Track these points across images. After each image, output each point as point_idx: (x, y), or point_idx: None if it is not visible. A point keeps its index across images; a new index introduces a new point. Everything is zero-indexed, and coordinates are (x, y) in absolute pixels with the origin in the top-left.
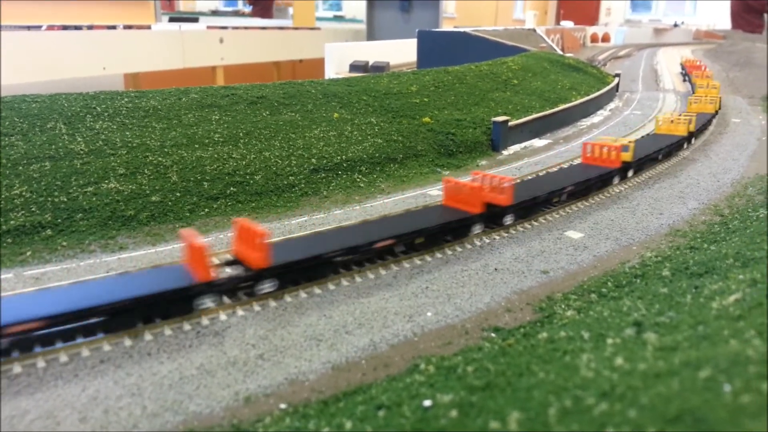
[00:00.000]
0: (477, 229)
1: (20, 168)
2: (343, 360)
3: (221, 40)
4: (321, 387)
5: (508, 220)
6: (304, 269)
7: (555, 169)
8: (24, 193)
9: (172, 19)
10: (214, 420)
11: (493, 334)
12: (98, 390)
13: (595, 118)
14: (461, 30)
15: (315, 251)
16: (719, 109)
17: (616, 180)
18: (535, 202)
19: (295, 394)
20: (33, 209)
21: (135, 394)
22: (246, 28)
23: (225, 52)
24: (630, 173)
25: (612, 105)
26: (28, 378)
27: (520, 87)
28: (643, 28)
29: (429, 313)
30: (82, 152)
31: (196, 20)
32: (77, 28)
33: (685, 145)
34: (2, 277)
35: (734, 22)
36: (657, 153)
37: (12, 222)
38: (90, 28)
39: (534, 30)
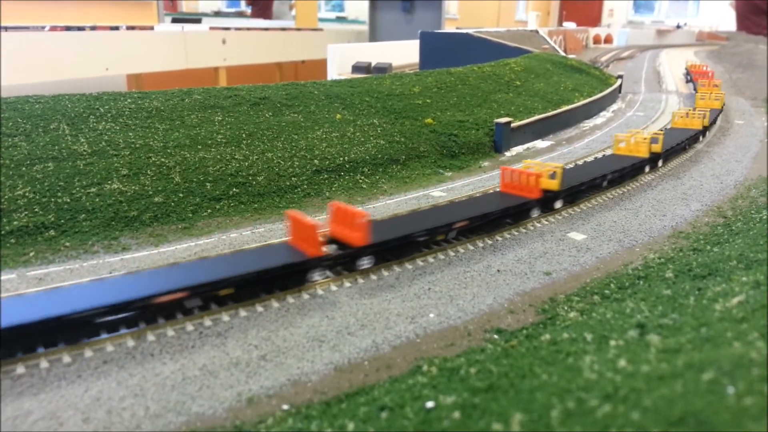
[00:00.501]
0: (535, 213)
1: (23, 169)
2: (345, 361)
3: (224, 41)
4: (323, 388)
5: (558, 204)
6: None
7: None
8: (27, 194)
9: (174, 20)
10: (217, 421)
11: (495, 336)
12: (101, 391)
13: (598, 120)
14: (463, 31)
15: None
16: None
17: (534, 213)
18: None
19: (298, 395)
20: (36, 210)
21: (138, 395)
22: (248, 29)
23: (228, 53)
24: (558, 204)
25: (615, 106)
26: (31, 378)
27: (522, 88)
28: (645, 30)
29: (431, 315)
30: (85, 153)
31: (198, 21)
32: (80, 28)
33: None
34: (6, 277)
35: (740, 23)
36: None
37: (15, 223)
38: (93, 28)
39: (536, 31)
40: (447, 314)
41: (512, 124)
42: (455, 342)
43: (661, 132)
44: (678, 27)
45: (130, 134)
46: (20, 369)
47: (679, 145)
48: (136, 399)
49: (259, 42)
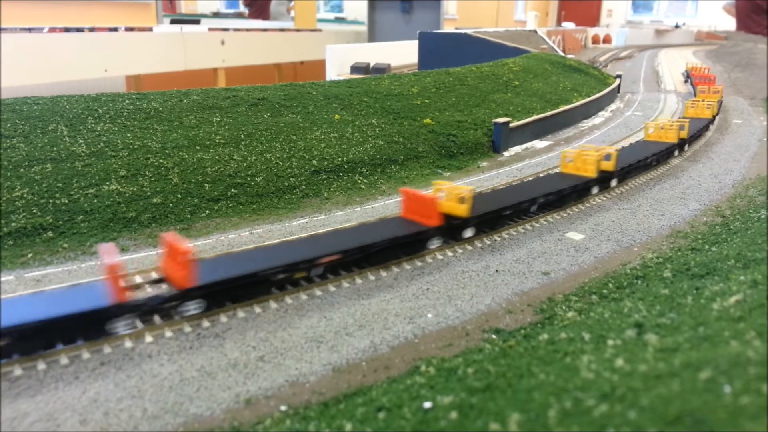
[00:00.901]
0: (435, 243)
1: (21, 170)
2: (343, 362)
3: (223, 42)
4: (321, 389)
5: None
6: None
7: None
8: (25, 195)
9: (173, 21)
10: (215, 422)
11: (493, 336)
12: (99, 392)
13: (597, 120)
14: (462, 31)
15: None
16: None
17: (434, 243)
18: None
19: (296, 395)
20: (34, 211)
21: (135, 396)
22: (247, 30)
23: (226, 54)
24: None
25: (613, 106)
26: (28, 380)
27: (521, 88)
28: (644, 30)
29: (429, 315)
30: (83, 154)
31: (197, 22)
32: (79, 30)
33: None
34: (4, 279)
35: (740, 23)
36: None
37: (13, 224)
38: (91, 30)
39: (535, 31)
40: (445, 314)
41: (511, 124)
42: (453, 342)
43: (615, 150)
44: (677, 27)
45: (129, 135)
46: (17, 371)
47: (640, 162)
48: (133, 400)
49: (257, 43)
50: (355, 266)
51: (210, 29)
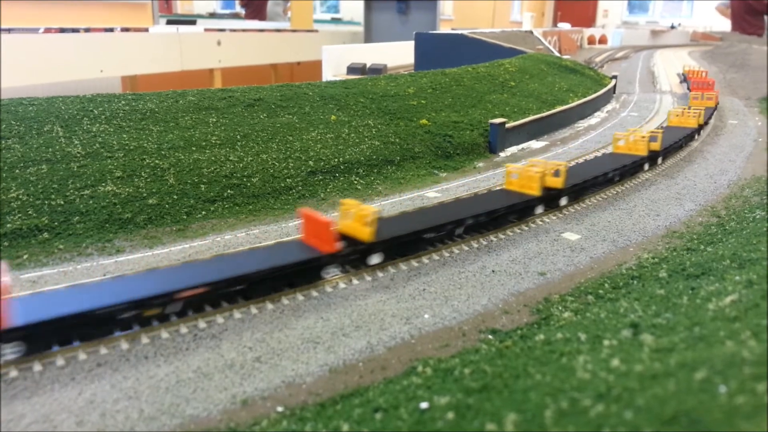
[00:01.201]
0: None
1: (17, 171)
2: (340, 362)
3: (219, 43)
4: (318, 390)
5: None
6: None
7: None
8: (21, 196)
9: (169, 22)
10: (211, 423)
11: (490, 336)
12: (95, 393)
13: (593, 120)
14: (458, 32)
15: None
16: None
17: (330, 272)
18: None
19: (292, 396)
20: (30, 212)
21: (132, 398)
22: (244, 30)
23: (223, 55)
24: None
25: (609, 107)
26: (24, 382)
27: (517, 89)
28: (640, 30)
29: (426, 315)
30: (79, 155)
31: (193, 23)
32: (74, 30)
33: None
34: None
35: (735, 24)
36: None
37: (9, 225)
38: (87, 30)
39: (531, 32)
40: (442, 315)
41: (507, 125)
42: (450, 343)
43: (566, 165)
44: (672, 27)
45: (124, 136)
46: (13, 372)
47: (598, 178)
48: (130, 402)
49: (254, 43)
50: (227, 301)
51: (206, 30)
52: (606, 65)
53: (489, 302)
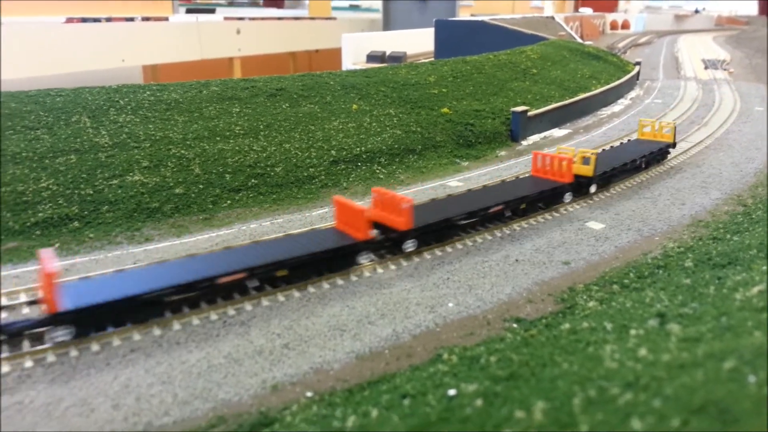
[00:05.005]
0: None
1: (47, 161)
2: (366, 350)
3: (238, 31)
4: (345, 376)
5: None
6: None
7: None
8: (51, 186)
9: (189, 11)
10: (243, 407)
11: (514, 325)
12: (130, 378)
13: (616, 107)
14: (479, 19)
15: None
16: None
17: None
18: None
19: (321, 382)
20: (60, 202)
21: (165, 382)
22: (263, 18)
23: (242, 43)
24: None
25: (633, 93)
26: (61, 367)
27: (539, 76)
28: (663, 15)
29: (450, 304)
30: (106, 145)
31: (212, 11)
32: (96, 20)
33: None
34: (34, 268)
35: (764, 7)
36: None
37: (40, 214)
38: (108, 20)
39: (552, 18)
40: (466, 303)
41: (529, 113)
42: (475, 331)
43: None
44: (696, 12)
45: (150, 126)
46: (51, 357)
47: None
48: (164, 386)
49: (272, 32)
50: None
51: (225, 18)
52: (629, 51)
53: (513, 291)
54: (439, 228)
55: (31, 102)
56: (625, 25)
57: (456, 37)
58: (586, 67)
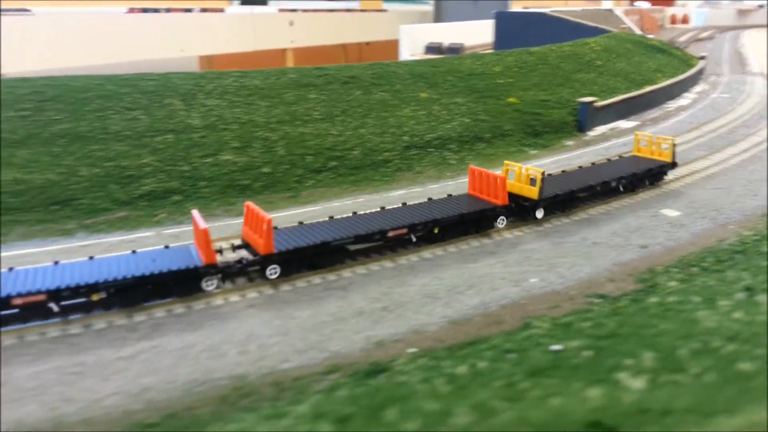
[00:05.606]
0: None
1: (146, 139)
2: (457, 316)
3: (291, 23)
4: (441, 337)
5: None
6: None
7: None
8: (152, 162)
9: (244, 2)
10: (354, 358)
11: (597, 300)
12: (251, 329)
13: (682, 101)
14: (540, 11)
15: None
16: None
17: None
18: None
19: (419, 342)
20: (161, 177)
21: (282, 334)
22: (315, 10)
23: (295, 35)
24: None
25: (698, 88)
26: (188, 317)
27: (604, 68)
28: (724, 9)
29: (533, 279)
30: (198, 127)
31: (265, 3)
32: (156, 11)
33: None
34: (144, 235)
35: None
36: None
37: (144, 187)
38: (168, 11)
39: (611, 10)
40: (548, 280)
41: (595, 104)
42: (559, 304)
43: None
44: (761, 6)
45: (236, 110)
46: (179, 309)
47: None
48: (281, 337)
49: (324, 23)
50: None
51: (280, 10)
52: (691, 45)
53: (593, 270)
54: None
55: (126, 85)
56: (685, 20)
57: (516, 29)
58: (650, 60)
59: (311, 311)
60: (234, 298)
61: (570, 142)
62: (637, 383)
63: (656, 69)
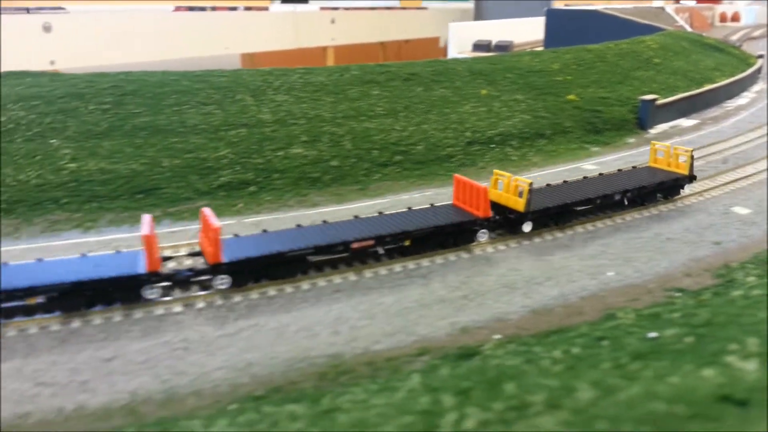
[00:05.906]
0: None
1: (221, 133)
2: (538, 306)
3: (332, 21)
4: (524, 325)
5: None
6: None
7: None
8: (228, 155)
9: (285, 0)
10: (441, 342)
11: (677, 294)
12: (340, 312)
13: (741, 100)
14: (592, 8)
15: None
16: None
17: None
18: None
19: (503, 329)
20: (237, 169)
21: (370, 318)
22: (356, 8)
23: (336, 33)
24: None
25: (757, 87)
26: (281, 300)
27: (662, 66)
28: None
29: (610, 273)
30: (269, 121)
31: (306, 1)
32: (202, 9)
33: None
34: (227, 222)
35: None
36: None
37: (222, 178)
38: (213, 9)
39: (663, 8)
40: (625, 273)
41: (657, 102)
42: (639, 297)
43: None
44: None
45: (304, 106)
46: (272, 291)
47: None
48: (369, 320)
49: (365, 21)
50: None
51: (321, 8)
52: (744, 44)
53: (669, 265)
54: None
55: (199, 81)
56: (735, 18)
57: (567, 26)
58: (708, 58)
59: (395, 297)
60: (321, 283)
61: (632, 140)
62: (750, 365)
63: (714, 67)
